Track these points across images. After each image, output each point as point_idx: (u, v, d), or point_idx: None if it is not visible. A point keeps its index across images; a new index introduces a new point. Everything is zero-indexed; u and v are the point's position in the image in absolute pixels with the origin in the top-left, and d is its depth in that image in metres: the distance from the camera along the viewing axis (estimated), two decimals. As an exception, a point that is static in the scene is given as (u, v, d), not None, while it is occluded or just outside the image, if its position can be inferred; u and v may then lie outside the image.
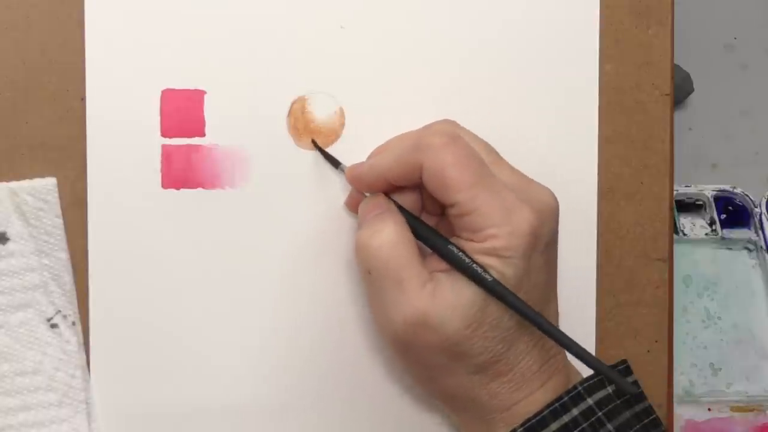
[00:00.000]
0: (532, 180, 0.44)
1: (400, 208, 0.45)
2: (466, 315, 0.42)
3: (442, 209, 0.45)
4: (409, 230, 0.44)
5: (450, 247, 0.43)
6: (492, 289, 0.41)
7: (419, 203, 0.46)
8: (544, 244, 0.43)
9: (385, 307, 0.43)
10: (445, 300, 0.42)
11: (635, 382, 0.46)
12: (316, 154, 0.48)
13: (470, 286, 0.42)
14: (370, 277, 0.43)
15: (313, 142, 0.48)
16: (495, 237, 0.41)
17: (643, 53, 0.50)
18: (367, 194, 0.46)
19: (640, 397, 0.45)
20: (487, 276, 0.41)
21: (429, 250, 0.44)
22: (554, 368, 0.44)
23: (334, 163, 0.47)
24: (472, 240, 0.42)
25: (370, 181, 0.45)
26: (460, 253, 0.42)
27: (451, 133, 0.43)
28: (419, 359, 0.43)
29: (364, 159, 0.47)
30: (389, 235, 0.43)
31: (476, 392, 0.43)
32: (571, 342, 0.42)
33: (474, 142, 0.44)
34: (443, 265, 0.43)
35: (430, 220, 0.45)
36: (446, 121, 0.45)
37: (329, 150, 0.48)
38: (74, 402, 0.47)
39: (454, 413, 0.46)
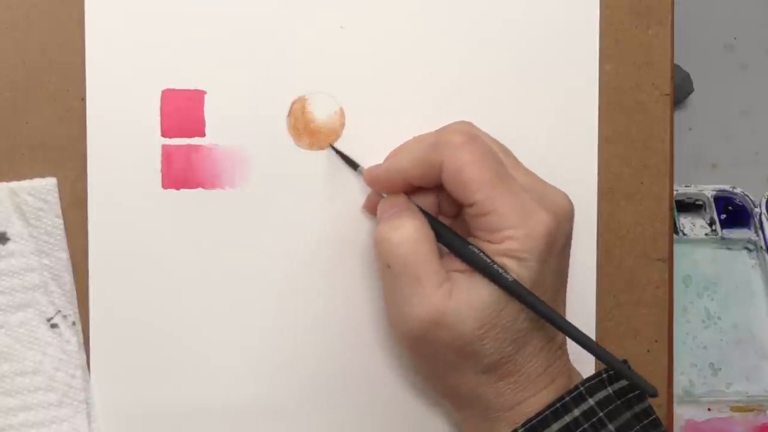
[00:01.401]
0: (547, 183, 0.45)
1: (419, 209, 0.45)
2: (481, 316, 0.42)
3: (457, 211, 0.45)
4: (429, 228, 0.44)
5: (470, 247, 0.43)
6: (512, 289, 0.42)
7: (435, 205, 0.46)
8: (559, 247, 0.43)
9: (401, 303, 0.43)
10: (461, 300, 0.42)
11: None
12: (316, 154, 0.48)
13: (487, 287, 0.42)
14: (389, 272, 0.43)
15: (332, 146, 0.48)
16: (512, 239, 0.42)
17: (643, 53, 0.50)
18: (385, 195, 0.46)
19: (641, 397, 0.45)
20: (508, 276, 0.41)
21: (445, 251, 0.44)
22: (558, 370, 0.44)
23: (353, 165, 0.47)
24: (488, 241, 0.42)
25: (388, 182, 0.45)
26: (480, 254, 0.42)
27: (470, 132, 0.43)
28: (430, 356, 0.44)
29: (364, 159, 0.47)
30: (410, 231, 0.43)
31: (482, 390, 0.43)
32: (592, 343, 0.42)
33: (491, 143, 0.45)
34: (460, 265, 0.43)
35: (445, 222, 0.46)
36: (463, 122, 0.45)
37: (329, 149, 0.48)
38: (74, 402, 0.47)
39: (457, 410, 0.46)
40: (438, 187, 0.44)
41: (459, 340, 0.42)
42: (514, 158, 0.45)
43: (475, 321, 0.42)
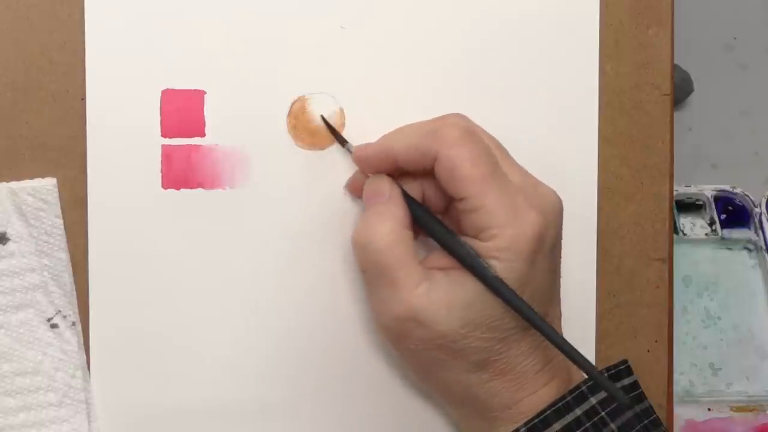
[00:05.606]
0: (539, 181, 0.44)
1: (405, 195, 0.44)
2: (462, 315, 0.41)
3: (444, 206, 0.45)
4: (406, 227, 0.43)
5: (454, 237, 0.42)
6: (493, 285, 0.41)
7: (420, 194, 0.45)
8: (549, 247, 0.43)
9: (379, 304, 0.43)
10: (439, 299, 0.42)
11: (635, 383, 0.46)
12: (316, 154, 0.48)
13: (466, 287, 0.42)
14: (365, 276, 0.44)
15: (322, 117, 0.47)
16: (498, 237, 0.41)
17: (643, 53, 0.50)
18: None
19: (641, 397, 0.45)
20: (490, 272, 0.41)
21: (434, 246, 0.44)
22: (557, 368, 0.44)
23: (341, 141, 0.47)
24: (476, 238, 0.42)
25: (377, 163, 0.45)
26: (465, 245, 0.42)
27: (468, 127, 0.43)
28: (415, 354, 0.44)
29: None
30: (384, 234, 0.43)
31: (475, 390, 0.43)
32: (567, 345, 0.41)
33: (486, 138, 0.44)
34: (444, 262, 0.43)
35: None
36: (459, 115, 0.45)
37: (330, 149, 0.48)
38: (74, 402, 0.47)
39: (454, 409, 0.46)
40: (424, 177, 0.44)
41: (441, 339, 0.42)
42: (508, 155, 0.45)
43: (456, 320, 0.41)
